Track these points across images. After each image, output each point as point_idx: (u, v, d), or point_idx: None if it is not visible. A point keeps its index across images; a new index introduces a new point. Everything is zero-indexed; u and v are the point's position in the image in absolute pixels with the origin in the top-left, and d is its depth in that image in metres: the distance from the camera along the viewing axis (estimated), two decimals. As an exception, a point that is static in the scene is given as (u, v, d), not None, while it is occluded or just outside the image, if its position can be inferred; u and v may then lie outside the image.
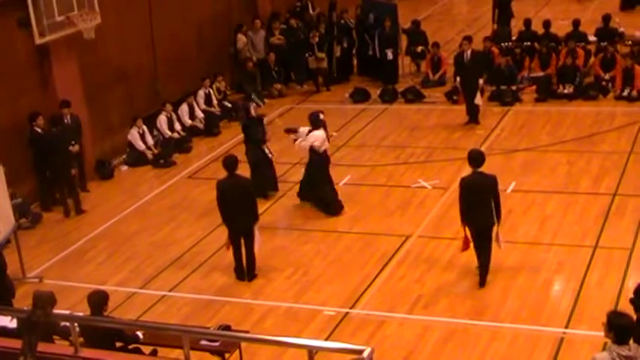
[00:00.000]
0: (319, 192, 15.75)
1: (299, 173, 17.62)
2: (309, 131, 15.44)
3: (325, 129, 15.54)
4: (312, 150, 15.39)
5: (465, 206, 12.51)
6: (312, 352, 7.06)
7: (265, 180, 16.46)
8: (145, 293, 13.67)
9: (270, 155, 16.52)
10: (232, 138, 20.16)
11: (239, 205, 13.34)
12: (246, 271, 13.70)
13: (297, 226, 15.47)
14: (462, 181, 12.64)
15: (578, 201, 15.33)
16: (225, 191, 13.45)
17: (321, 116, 15.53)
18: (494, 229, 12.55)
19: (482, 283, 12.73)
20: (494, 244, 12.66)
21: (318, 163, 15.54)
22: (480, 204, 12.39)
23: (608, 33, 22.18)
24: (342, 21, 23.85)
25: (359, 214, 15.67)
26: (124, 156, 19.29)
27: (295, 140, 15.71)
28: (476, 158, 12.52)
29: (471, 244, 12.71)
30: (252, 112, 16.67)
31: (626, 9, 26.91)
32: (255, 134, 16.52)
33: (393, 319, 12.26)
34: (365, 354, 6.72)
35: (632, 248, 13.43)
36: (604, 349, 10.12)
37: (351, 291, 13.08)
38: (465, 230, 12.60)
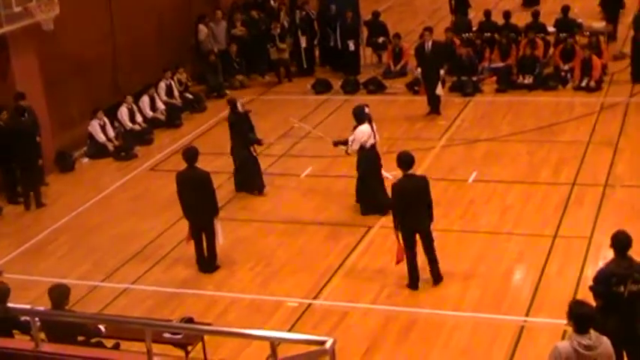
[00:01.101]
0: (369, 190, 15.01)
1: (260, 164, 17.63)
2: (354, 127, 14.82)
3: (371, 123, 14.77)
4: (360, 147, 14.75)
5: (400, 211, 12.34)
6: (274, 343, 7.07)
7: (251, 179, 16.19)
8: (107, 286, 13.61)
9: (255, 154, 16.18)
10: (194, 130, 20.11)
11: (198, 197, 13.32)
12: (206, 263, 13.68)
13: (260, 218, 15.46)
14: (393, 186, 12.49)
15: (539, 191, 15.47)
16: (184, 183, 13.42)
17: (367, 110, 14.91)
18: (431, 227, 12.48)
19: (436, 280, 12.64)
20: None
21: (366, 159, 14.79)
22: (414, 207, 12.24)
23: (567, 24, 22.37)
24: (304, 12, 23.81)
25: (321, 205, 15.70)
26: (85, 148, 19.15)
27: (346, 151, 15.03)
28: (405, 160, 12.38)
29: (404, 255, 12.50)
30: (240, 107, 16.18)
31: (528, 5, 26.92)
32: (242, 131, 16.06)
33: (356, 310, 12.32)
34: (327, 345, 6.73)
35: (590, 237, 13.59)
36: (563, 337, 10.30)
37: (314, 282, 13.11)
38: (398, 239, 12.39)
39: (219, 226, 13.55)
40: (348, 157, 17.37)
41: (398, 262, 12.54)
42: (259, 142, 16.38)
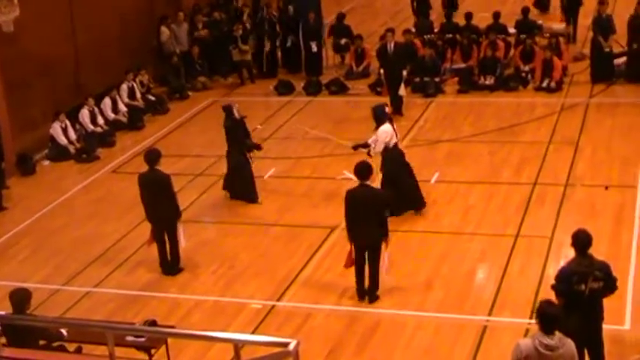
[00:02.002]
0: (402, 189, 14.55)
1: (223, 166, 17.60)
2: (376, 128, 14.50)
3: (391, 122, 14.55)
4: (384, 148, 14.40)
5: (349, 221, 12.20)
6: (237, 346, 7.06)
7: (245, 184, 15.76)
8: (69, 290, 13.51)
9: (250, 160, 15.78)
10: (156, 132, 20.02)
11: (158, 200, 13.27)
12: (169, 265, 13.61)
13: (223, 219, 15.44)
14: (347, 193, 12.28)
15: (500, 191, 15.59)
16: (145, 185, 13.37)
17: (387, 109, 14.70)
18: (382, 247, 12.20)
19: (371, 298, 12.38)
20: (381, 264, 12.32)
21: (391, 159, 14.46)
22: (365, 219, 11.99)
23: (527, 25, 22.59)
24: (267, 14, 23.78)
25: (285, 206, 15.70)
26: (46, 151, 18.99)
27: (368, 153, 14.66)
28: (360, 170, 12.20)
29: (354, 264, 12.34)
30: (236, 113, 15.65)
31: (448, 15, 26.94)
32: (238, 137, 15.60)
33: (320, 311, 12.34)
34: (291, 347, 6.73)
35: (552, 236, 13.72)
36: (526, 335, 10.39)
37: (278, 283, 13.12)
38: (350, 245, 12.28)
39: (181, 229, 13.50)
40: (312, 158, 17.47)
41: (346, 267, 12.43)
42: (258, 147, 16.04)
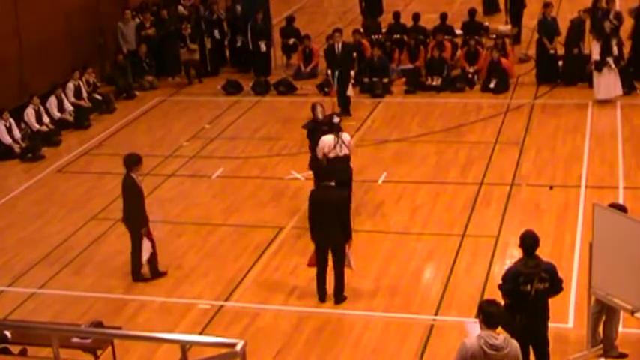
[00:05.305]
0: None
1: (171, 166, 17.52)
2: None
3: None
4: None
5: (313, 221, 12.26)
6: (184, 347, 7.02)
7: None
8: (13, 291, 13.33)
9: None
10: (103, 131, 19.82)
11: (126, 204, 13.19)
12: (132, 271, 13.41)
13: (170, 220, 15.34)
14: (310, 194, 12.38)
15: (447, 191, 15.71)
16: (122, 188, 13.23)
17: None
18: (347, 247, 12.23)
19: (338, 299, 12.39)
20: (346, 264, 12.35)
21: None
22: (326, 220, 12.02)
23: (474, 27, 22.81)
24: (214, 15, 23.67)
25: (232, 206, 15.66)
26: (-11, 150, 18.73)
27: None
28: (320, 171, 12.25)
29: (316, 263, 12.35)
30: (323, 115, 15.11)
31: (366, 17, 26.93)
32: None
33: (268, 311, 12.33)
34: (238, 347, 6.70)
35: (497, 236, 13.87)
36: (472, 334, 10.46)
37: (226, 283, 13.08)
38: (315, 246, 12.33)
39: (146, 240, 13.25)
40: (260, 158, 17.42)
41: (308, 265, 12.52)
42: None
